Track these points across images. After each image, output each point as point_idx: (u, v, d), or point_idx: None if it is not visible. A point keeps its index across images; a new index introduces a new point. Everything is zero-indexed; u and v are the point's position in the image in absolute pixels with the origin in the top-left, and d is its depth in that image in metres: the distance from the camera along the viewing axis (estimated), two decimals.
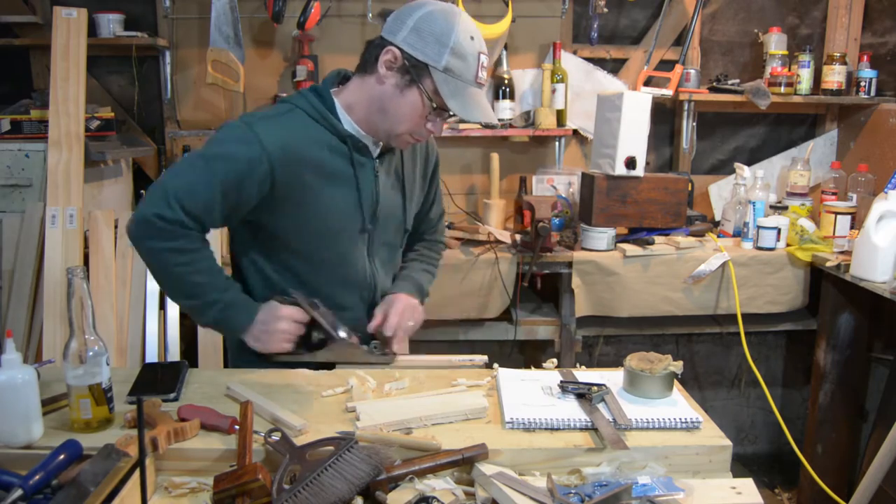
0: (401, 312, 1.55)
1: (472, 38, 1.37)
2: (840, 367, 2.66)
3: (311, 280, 1.51)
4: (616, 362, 2.09)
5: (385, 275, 1.63)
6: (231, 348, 1.67)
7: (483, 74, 1.40)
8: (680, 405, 1.30)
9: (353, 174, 1.47)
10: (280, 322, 1.41)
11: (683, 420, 1.23)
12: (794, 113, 3.15)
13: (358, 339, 1.49)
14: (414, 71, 1.37)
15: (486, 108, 1.42)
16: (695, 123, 3.06)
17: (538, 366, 1.54)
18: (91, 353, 1.19)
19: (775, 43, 2.92)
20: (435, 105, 1.39)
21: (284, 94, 2.83)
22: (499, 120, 2.86)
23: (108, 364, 1.22)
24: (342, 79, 1.52)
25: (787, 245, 2.65)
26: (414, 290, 1.64)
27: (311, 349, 1.45)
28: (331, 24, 2.89)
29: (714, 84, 2.96)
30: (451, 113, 1.40)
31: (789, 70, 2.89)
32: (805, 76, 2.87)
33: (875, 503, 2.06)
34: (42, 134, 2.40)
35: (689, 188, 2.79)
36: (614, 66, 3.06)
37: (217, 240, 2.38)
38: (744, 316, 2.57)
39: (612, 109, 2.51)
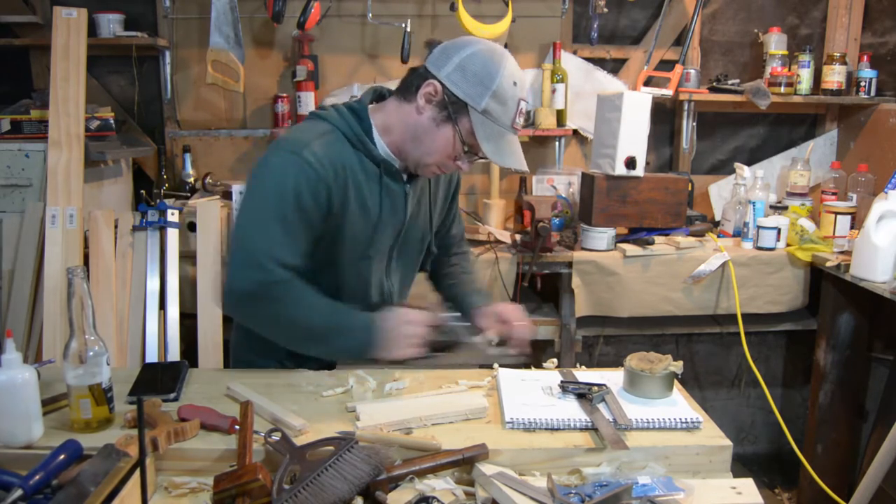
0: (521, 316, 1.56)
1: (514, 83, 1.37)
2: (840, 367, 2.66)
3: (330, 296, 1.46)
4: (616, 362, 2.08)
5: (400, 294, 1.63)
6: (233, 347, 1.67)
7: (520, 121, 1.40)
8: (680, 405, 1.30)
9: (381, 199, 1.46)
10: (408, 327, 1.39)
11: (683, 420, 1.23)
12: (794, 113, 3.15)
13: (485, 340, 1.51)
14: (452, 108, 1.37)
15: (518, 154, 1.42)
16: (695, 123, 3.06)
17: (538, 366, 1.54)
18: (91, 353, 1.19)
19: (775, 43, 2.92)
20: (468, 145, 1.40)
21: (285, 95, 2.84)
22: None
23: (108, 364, 1.22)
24: (378, 96, 1.53)
25: (787, 245, 2.65)
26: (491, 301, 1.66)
27: (437, 351, 1.46)
28: (331, 24, 2.89)
29: (714, 84, 2.96)
30: (483, 154, 1.39)
31: (789, 70, 2.89)
32: (805, 76, 2.87)
33: (875, 503, 2.06)
34: (42, 134, 2.40)
35: (689, 188, 2.79)
36: (614, 66, 3.06)
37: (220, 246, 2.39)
38: (744, 316, 2.57)
39: (612, 109, 2.51)
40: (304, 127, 1.46)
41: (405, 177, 1.50)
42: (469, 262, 1.82)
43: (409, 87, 1.42)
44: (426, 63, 1.41)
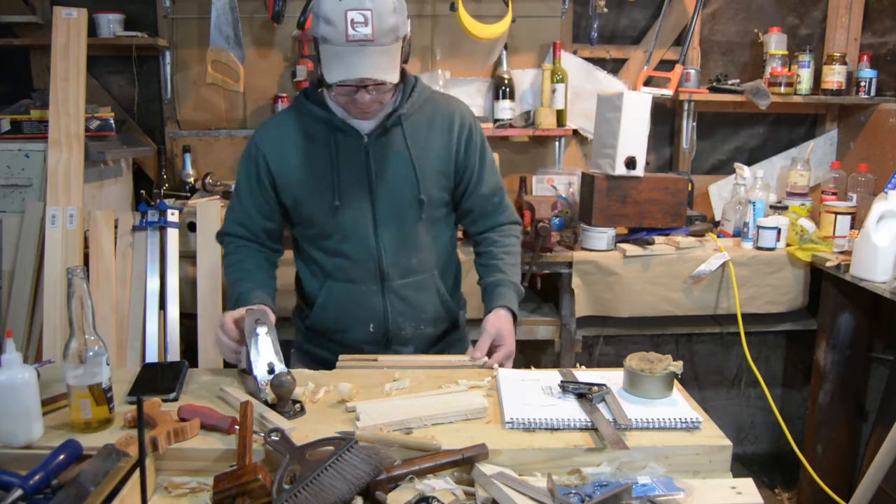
0: (502, 356, 1.61)
1: None
2: (840, 367, 2.66)
3: (321, 256, 1.66)
4: (616, 362, 2.09)
5: (396, 248, 1.64)
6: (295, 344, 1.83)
7: (358, 31, 1.38)
8: (680, 405, 1.30)
9: (335, 154, 1.58)
10: (219, 332, 1.47)
11: (683, 420, 1.23)
12: (794, 113, 3.15)
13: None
14: (315, 52, 1.48)
15: (353, 65, 1.40)
16: (695, 123, 3.06)
17: (538, 366, 1.53)
18: (91, 353, 1.19)
19: (775, 43, 2.92)
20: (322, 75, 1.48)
21: (285, 95, 2.85)
22: (498, 120, 2.86)
23: (108, 364, 1.22)
24: None
25: (787, 245, 2.64)
26: (512, 298, 1.67)
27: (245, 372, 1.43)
28: None
29: (714, 84, 2.96)
30: (373, 82, 1.43)
31: (789, 70, 2.89)
32: (805, 76, 2.87)
33: (875, 503, 2.06)
34: (42, 134, 2.40)
35: (689, 188, 2.79)
36: (614, 66, 3.06)
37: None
38: (744, 316, 2.57)
39: (612, 109, 2.51)
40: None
41: (368, 129, 1.58)
42: (508, 243, 1.78)
43: None
44: None
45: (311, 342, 1.77)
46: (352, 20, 1.37)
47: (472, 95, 2.96)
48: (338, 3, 1.38)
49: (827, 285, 2.62)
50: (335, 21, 1.38)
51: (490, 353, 1.60)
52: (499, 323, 1.62)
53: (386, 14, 1.39)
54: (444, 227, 1.74)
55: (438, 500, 1.02)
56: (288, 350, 1.60)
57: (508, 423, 1.23)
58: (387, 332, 1.68)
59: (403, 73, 1.61)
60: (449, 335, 1.82)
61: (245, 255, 1.68)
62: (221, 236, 1.73)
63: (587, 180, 2.62)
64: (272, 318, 1.52)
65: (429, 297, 1.71)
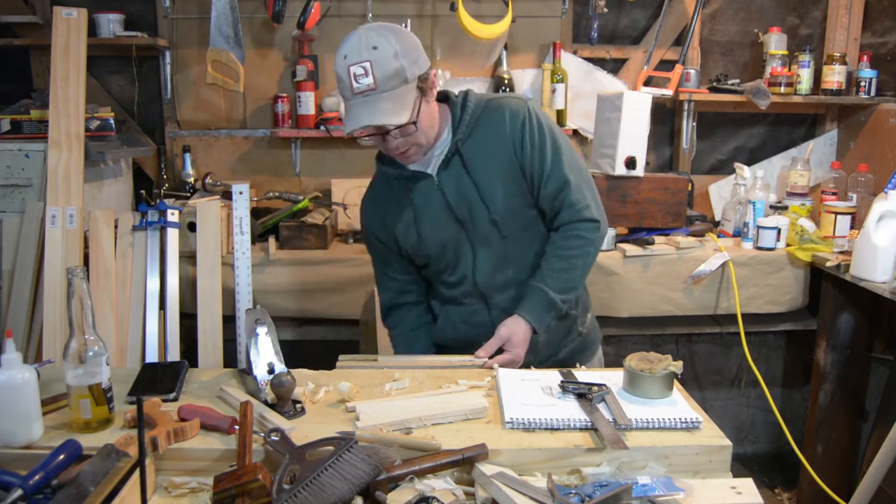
0: (505, 360, 1.60)
1: (345, 56, 1.45)
2: (840, 367, 2.66)
3: (438, 286, 1.75)
4: (616, 362, 2.08)
5: (488, 268, 1.67)
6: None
7: (361, 83, 1.44)
8: (680, 405, 1.30)
9: (414, 203, 1.65)
10: None
11: (683, 420, 1.23)
12: (794, 113, 3.15)
13: None
14: None
15: (357, 116, 1.46)
16: (695, 123, 3.06)
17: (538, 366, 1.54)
18: (91, 353, 1.19)
19: (775, 43, 2.92)
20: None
21: (285, 95, 2.85)
22: None
23: (108, 364, 1.22)
24: None
25: (787, 245, 2.65)
26: (536, 310, 1.62)
27: None
28: (331, 24, 2.89)
29: (714, 84, 2.96)
30: (392, 127, 1.48)
31: (789, 70, 2.89)
32: (805, 76, 2.87)
33: (875, 503, 2.06)
34: (42, 134, 2.40)
35: (689, 188, 2.79)
36: (614, 66, 3.06)
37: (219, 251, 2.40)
38: (744, 316, 2.57)
39: (612, 109, 2.51)
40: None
41: (435, 169, 1.62)
42: (566, 245, 1.65)
43: None
44: None
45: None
46: (354, 74, 1.44)
47: None
48: (343, 61, 1.45)
49: (827, 285, 2.62)
50: (343, 77, 1.45)
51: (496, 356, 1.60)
52: (514, 329, 1.60)
53: (386, 61, 1.43)
54: (540, 228, 1.70)
55: (438, 500, 1.02)
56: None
57: (508, 423, 1.23)
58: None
59: (448, 98, 1.63)
60: (569, 336, 1.79)
61: (407, 340, 1.80)
62: (385, 316, 1.84)
63: None
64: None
65: None
